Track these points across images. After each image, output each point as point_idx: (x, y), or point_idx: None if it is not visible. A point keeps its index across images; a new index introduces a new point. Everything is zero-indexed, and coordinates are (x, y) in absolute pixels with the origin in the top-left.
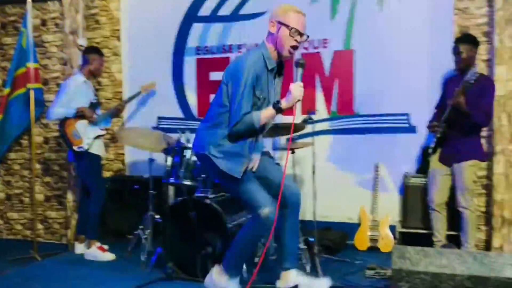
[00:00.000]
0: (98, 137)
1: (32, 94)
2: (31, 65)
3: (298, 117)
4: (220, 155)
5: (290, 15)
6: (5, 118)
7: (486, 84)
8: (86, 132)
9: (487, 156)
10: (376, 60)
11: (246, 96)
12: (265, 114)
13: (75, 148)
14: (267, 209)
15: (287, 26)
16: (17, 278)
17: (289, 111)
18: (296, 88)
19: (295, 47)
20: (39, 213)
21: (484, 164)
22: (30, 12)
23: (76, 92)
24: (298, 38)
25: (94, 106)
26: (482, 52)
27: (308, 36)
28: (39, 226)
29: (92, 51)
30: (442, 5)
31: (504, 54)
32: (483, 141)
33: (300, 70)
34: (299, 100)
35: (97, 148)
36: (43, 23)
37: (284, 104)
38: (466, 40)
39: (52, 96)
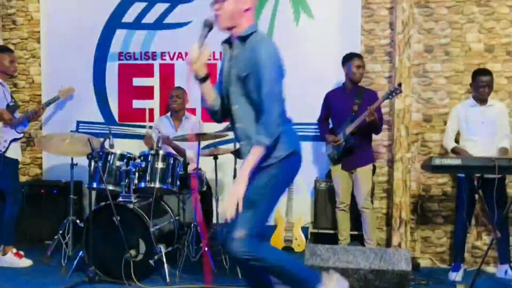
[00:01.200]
0: (14, 140)
1: None
2: None
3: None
4: None
5: None
6: None
7: (376, 96)
8: (3, 135)
9: (387, 162)
10: (292, 72)
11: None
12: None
13: None
14: None
15: None
16: None
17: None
18: (191, 49)
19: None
20: None
21: (385, 170)
22: None
23: None
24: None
25: (11, 108)
26: (384, 70)
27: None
28: None
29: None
30: (351, 25)
31: (403, 72)
32: (384, 149)
33: (205, 30)
34: (195, 62)
35: (14, 152)
36: None
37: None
38: (360, 56)
39: None
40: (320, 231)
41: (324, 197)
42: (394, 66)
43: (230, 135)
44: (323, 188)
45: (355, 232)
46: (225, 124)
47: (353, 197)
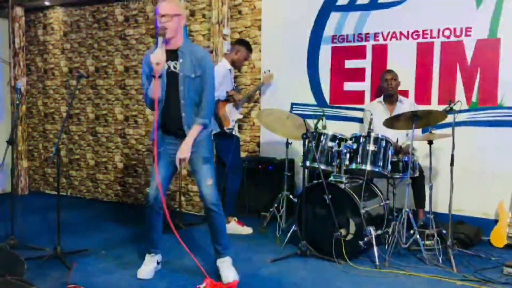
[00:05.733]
0: (238, 120)
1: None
2: None
3: (436, 107)
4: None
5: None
6: None
7: None
8: (231, 115)
9: None
10: None
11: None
12: (150, 85)
13: (225, 128)
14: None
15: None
16: (170, 242)
17: None
18: (156, 54)
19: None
20: (182, 186)
21: None
22: (183, 4)
23: (224, 77)
24: (161, 19)
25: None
26: None
27: (175, 15)
28: (181, 198)
29: (242, 44)
30: None
31: None
32: None
33: (158, 40)
34: (158, 63)
35: (237, 130)
36: (192, 13)
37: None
38: None
39: None
40: None
41: None
42: None
43: (449, 118)
44: None
45: None
46: (442, 107)
47: None
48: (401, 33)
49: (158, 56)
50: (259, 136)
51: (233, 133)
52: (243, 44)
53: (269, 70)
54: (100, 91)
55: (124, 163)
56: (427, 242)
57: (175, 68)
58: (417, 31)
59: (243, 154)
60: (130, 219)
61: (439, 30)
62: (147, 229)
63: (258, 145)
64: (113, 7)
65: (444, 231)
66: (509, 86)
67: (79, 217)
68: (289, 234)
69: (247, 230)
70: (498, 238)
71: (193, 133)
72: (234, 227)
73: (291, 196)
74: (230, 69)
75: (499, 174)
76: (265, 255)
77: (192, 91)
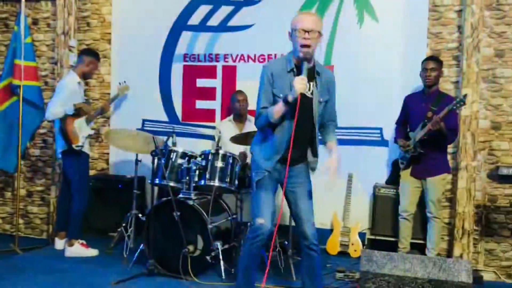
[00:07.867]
0: (89, 136)
1: (21, 90)
2: (24, 62)
3: None
4: (256, 149)
5: (294, 19)
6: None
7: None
8: (81, 131)
9: (453, 170)
10: (353, 75)
11: (263, 94)
12: (276, 108)
13: (73, 146)
14: (263, 219)
15: (294, 30)
16: (0, 269)
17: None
18: (297, 81)
19: (304, 46)
20: (21, 208)
21: (449, 178)
22: (23, 11)
23: (73, 92)
24: (305, 35)
25: None
26: (451, 74)
27: (319, 32)
28: (20, 220)
29: (90, 54)
30: (417, 28)
31: (471, 78)
32: (449, 156)
33: (305, 65)
34: (301, 93)
35: (87, 147)
36: (35, 22)
37: (289, 97)
38: (435, 58)
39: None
40: (378, 237)
41: (384, 203)
42: (461, 71)
43: None
44: (383, 194)
45: (416, 241)
46: None
47: (419, 205)
48: (248, 56)
49: (302, 83)
50: (108, 153)
51: (83, 149)
52: (92, 55)
53: (124, 81)
54: None
55: None
56: (270, 252)
57: (308, 90)
58: (263, 55)
59: (91, 172)
60: None
61: (282, 55)
62: (247, 269)
63: (107, 162)
64: None
65: (286, 242)
66: (342, 108)
67: None
68: (136, 254)
69: (92, 252)
70: (332, 246)
71: (336, 151)
72: (77, 250)
73: (140, 215)
74: (79, 82)
75: (332, 188)
76: (111, 277)
77: (319, 116)
